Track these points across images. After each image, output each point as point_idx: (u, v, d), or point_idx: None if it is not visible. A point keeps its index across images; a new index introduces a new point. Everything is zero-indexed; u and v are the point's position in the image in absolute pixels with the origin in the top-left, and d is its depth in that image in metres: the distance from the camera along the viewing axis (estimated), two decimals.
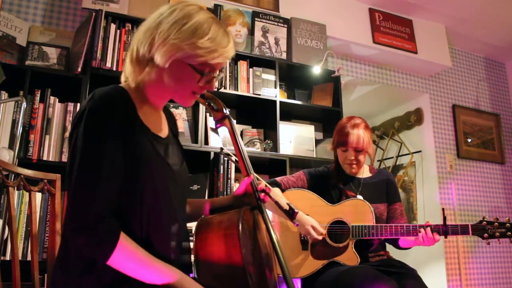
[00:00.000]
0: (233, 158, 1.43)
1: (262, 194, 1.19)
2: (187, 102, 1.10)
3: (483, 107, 4.15)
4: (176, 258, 1.04)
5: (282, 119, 2.74)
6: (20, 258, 1.83)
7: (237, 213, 1.08)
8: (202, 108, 2.50)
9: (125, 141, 0.97)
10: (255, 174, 1.25)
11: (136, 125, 1.02)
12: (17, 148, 1.90)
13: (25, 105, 1.97)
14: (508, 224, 1.67)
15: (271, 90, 2.75)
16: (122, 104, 0.99)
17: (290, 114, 2.98)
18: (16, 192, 1.84)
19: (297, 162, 2.79)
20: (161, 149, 1.07)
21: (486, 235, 1.68)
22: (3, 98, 2.06)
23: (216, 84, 1.19)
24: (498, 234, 1.67)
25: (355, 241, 1.78)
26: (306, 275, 1.80)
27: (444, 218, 1.71)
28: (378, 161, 4.48)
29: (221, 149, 1.68)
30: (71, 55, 2.37)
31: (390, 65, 3.72)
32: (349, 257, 1.76)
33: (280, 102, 2.73)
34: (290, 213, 1.23)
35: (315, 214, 1.81)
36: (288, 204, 1.24)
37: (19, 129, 1.93)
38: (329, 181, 1.96)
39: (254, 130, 2.80)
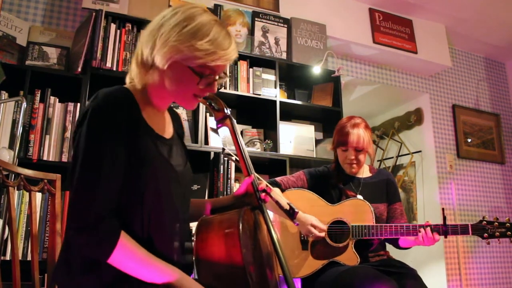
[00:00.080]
0: (234, 158, 1.43)
1: (263, 194, 1.19)
2: (189, 105, 1.10)
3: (483, 107, 4.15)
4: (178, 258, 1.04)
5: (282, 119, 2.74)
6: (20, 258, 1.83)
7: (237, 213, 1.08)
8: (202, 108, 2.50)
9: (129, 142, 0.97)
10: (256, 174, 1.25)
11: (140, 126, 1.02)
12: (17, 148, 1.90)
13: (25, 105, 1.97)
14: (508, 224, 1.67)
15: (271, 90, 2.75)
16: (126, 104, 0.99)
17: (290, 114, 2.98)
18: (16, 192, 1.84)
19: (297, 162, 2.79)
20: (164, 150, 1.07)
21: (486, 235, 1.68)
22: (3, 98, 2.06)
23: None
24: (498, 234, 1.67)
25: (355, 241, 1.78)
26: (306, 275, 1.80)
27: (444, 218, 1.71)
28: (378, 161, 4.48)
29: (223, 149, 1.68)
30: (71, 55, 2.37)
31: (390, 65, 3.72)
32: (349, 257, 1.76)
33: (280, 102, 2.73)
34: (291, 213, 1.23)
35: (315, 214, 1.81)
36: (288, 204, 1.24)
37: (19, 129, 1.93)
38: (329, 181, 1.96)
39: (254, 130, 2.80)
